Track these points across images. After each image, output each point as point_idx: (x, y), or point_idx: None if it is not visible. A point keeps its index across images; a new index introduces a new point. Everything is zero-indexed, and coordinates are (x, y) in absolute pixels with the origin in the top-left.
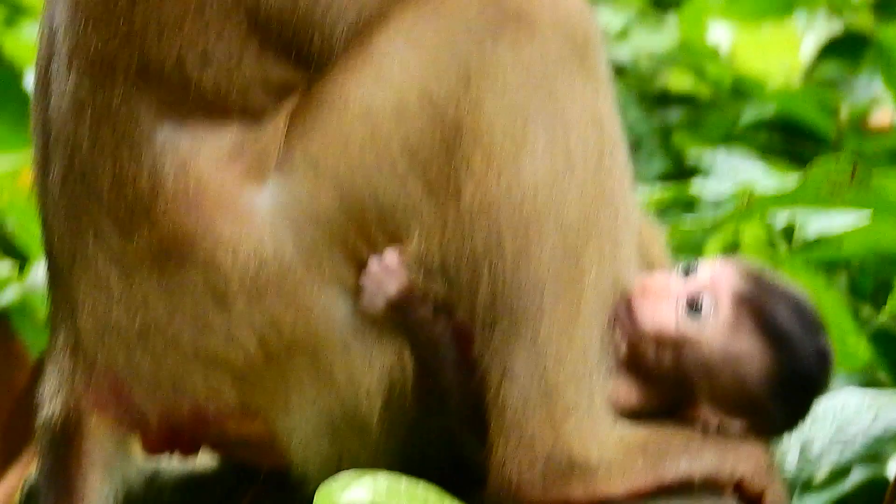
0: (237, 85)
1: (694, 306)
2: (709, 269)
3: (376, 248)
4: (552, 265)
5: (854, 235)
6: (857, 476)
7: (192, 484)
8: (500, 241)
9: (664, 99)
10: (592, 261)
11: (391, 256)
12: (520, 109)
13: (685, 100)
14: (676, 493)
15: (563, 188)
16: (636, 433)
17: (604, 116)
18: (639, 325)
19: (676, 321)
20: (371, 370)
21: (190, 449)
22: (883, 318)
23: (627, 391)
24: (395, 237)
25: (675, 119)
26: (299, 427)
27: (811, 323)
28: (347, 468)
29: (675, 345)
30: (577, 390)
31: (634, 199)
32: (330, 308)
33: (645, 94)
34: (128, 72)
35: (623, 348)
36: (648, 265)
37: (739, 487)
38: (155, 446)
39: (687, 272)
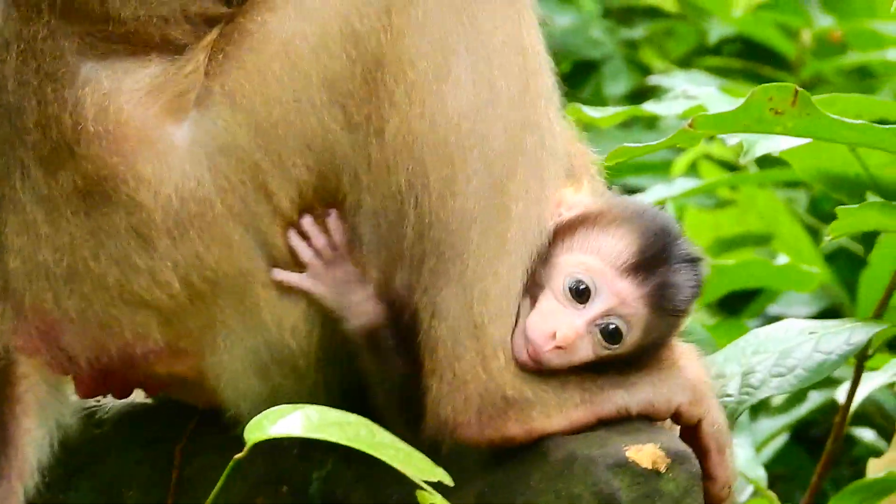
0: (158, 19)
1: (611, 336)
2: (603, 287)
3: (295, 183)
4: (478, 199)
5: (801, 157)
6: (812, 401)
7: (130, 420)
8: (425, 177)
9: (629, 13)
10: (519, 193)
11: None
12: (441, 40)
13: (651, 13)
14: (614, 425)
15: (488, 119)
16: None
17: (527, 43)
18: (553, 369)
19: (595, 352)
20: (296, 306)
21: (123, 390)
22: (836, 236)
23: None
24: (314, 172)
25: (640, 35)
26: (228, 366)
27: (689, 258)
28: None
29: None
30: (505, 326)
31: (560, 126)
32: (250, 244)
33: (609, 9)
34: (52, 7)
35: None
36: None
37: (677, 417)
38: (88, 389)
39: (579, 297)
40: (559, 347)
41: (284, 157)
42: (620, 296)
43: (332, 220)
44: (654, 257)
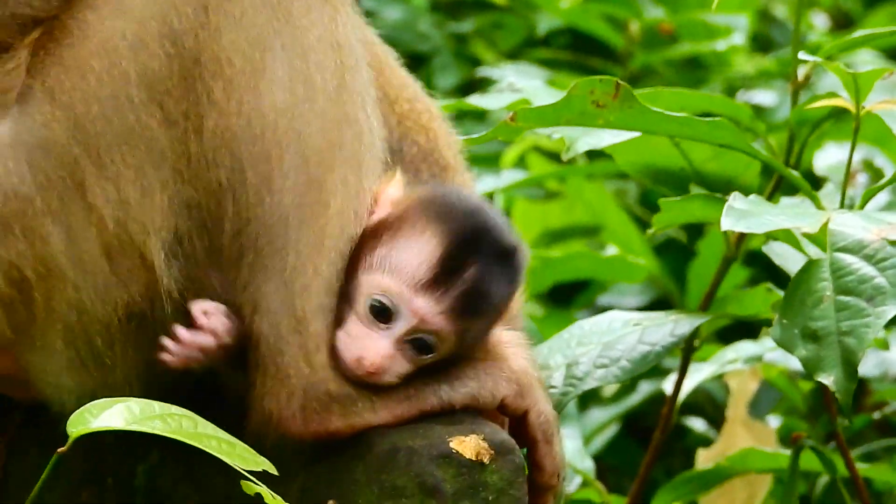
0: (7, 28)
1: (422, 348)
2: (402, 307)
3: (113, 180)
4: (296, 195)
5: (624, 152)
6: (642, 392)
7: None
8: (243, 173)
9: (458, 6)
10: (336, 189)
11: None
12: (258, 37)
13: (479, 6)
14: (439, 417)
15: (304, 116)
16: None
17: (342, 39)
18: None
19: (412, 364)
20: (112, 304)
21: None
22: (658, 230)
23: None
24: (132, 168)
25: (469, 28)
26: (48, 362)
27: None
28: None
29: None
30: (326, 321)
31: (378, 121)
32: (65, 242)
33: (438, 3)
34: None
35: None
36: (443, 170)
37: (503, 409)
38: None
39: (382, 318)
40: (371, 373)
41: (102, 153)
42: (419, 314)
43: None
44: (455, 266)
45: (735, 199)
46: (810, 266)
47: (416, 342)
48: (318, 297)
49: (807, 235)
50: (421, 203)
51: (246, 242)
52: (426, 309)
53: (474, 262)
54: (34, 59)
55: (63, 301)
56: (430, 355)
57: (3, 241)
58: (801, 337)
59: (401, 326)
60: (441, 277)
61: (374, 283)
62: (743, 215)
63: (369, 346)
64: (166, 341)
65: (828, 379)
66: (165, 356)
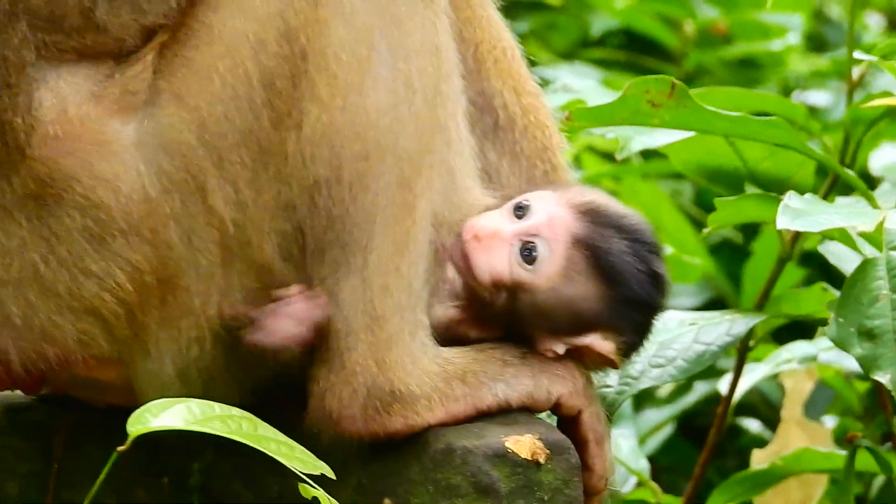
0: (116, 25)
1: (528, 254)
2: (542, 210)
3: (231, 182)
4: (386, 195)
5: (679, 151)
6: (698, 392)
7: (9, 412)
8: (340, 169)
9: (513, 7)
10: (423, 192)
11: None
12: (365, 35)
13: (534, 7)
14: (494, 417)
15: (402, 118)
16: (456, 360)
17: (442, 44)
18: (473, 271)
19: (510, 269)
20: (224, 308)
21: (36, 389)
22: (714, 229)
23: (463, 324)
24: (249, 168)
25: (524, 28)
26: (158, 369)
27: (645, 250)
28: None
29: (511, 290)
30: (402, 321)
31: (465, 128)
32: (186, 245)
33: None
34: (31, 16)
35: (458, 286)
36: (554, 169)
37: (557, 408)
38: (1, 384)
39: (519, 212)
40: (477, 238)
41: (223, 154)
42: (551, 217)
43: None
44: (608, 233)
45: (790, 198)
46: (866, 265)
47: (525, 246)
48: (397, 296)
49: (862, 234)
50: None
51: (332, 238)
52: (559, 217)
53: (626, 251)
54: (161, 62)
55: (179, 307)
56: (528, 267)
57: (133, 245)
58: (857, 335)
59: (530, 222)
60: (600, 222)
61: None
62: (798, 214)
63: (492, 220)
64: (260, 318)
65: (884, 377)
66: (257, 335)
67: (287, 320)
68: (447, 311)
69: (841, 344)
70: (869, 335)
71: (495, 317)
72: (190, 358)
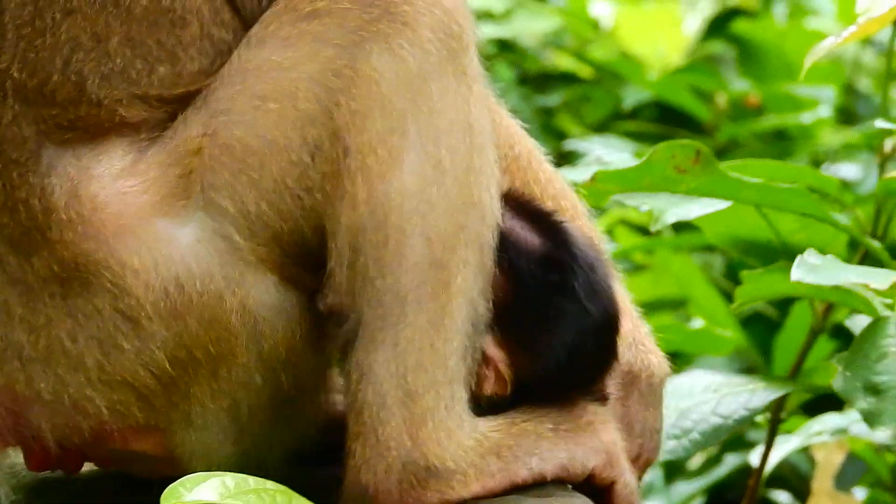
0: (134, 107)
1: None
2: None
3: (284, 261)
4: (416, 275)
5: (713, 223)
6: (728, 464)
7: (45, 488)
8: (365, 253)
9: (545, 80)
10: (458, 269)
11: None
12: (396, 119)
13: (567, 80)
14: (528, 489)
15: (431, 199)
16: (491, 434)
17: (474, 118)
18: None
19: None
20: (271, 382)
21: (77, 466)
22: (742, 303)
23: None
24: (298, 249)
25: (557, 101)
26: (206, 440)
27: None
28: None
29: None
30: (437, 396)
31: (499, 199)
32: (239, 322)
33: (526, 75)
34: (19, 92)
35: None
36: None
37: (591, 479)
38: (42, 464)
39: None
40: None
41: (273, 237)
42: None
43: None
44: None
45: (809, 255)
46: (877, 323)
47: None
48: (432, 372)
49: (878, 293)
50: None
51: (366, 316)
52: None
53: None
54: (194, 160)
55: (224, 380)
56: None
57: (173, 327)
58: (862, 389)
59: None
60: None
61: None
62: (813, 269)
63: None
64: None
65: (884, 433)
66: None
67: None
68: None
69: (846, 396)
70: (874, 390)
71: None
72: (240, 428)
